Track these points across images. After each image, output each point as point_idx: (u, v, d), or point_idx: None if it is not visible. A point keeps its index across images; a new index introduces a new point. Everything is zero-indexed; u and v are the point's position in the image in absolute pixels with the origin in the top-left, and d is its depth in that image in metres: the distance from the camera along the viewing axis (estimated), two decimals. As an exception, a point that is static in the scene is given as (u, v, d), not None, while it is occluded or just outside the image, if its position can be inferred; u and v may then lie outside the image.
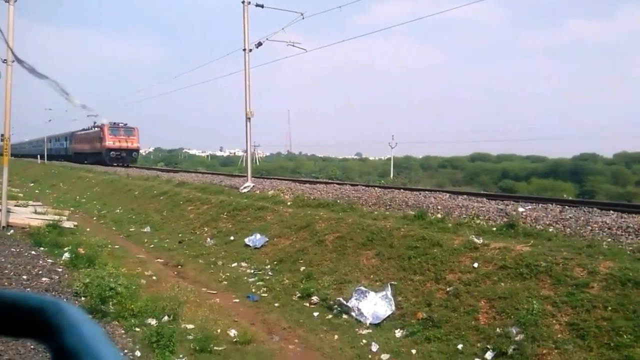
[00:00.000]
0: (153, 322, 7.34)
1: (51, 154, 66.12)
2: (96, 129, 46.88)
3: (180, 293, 8.84)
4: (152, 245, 14.73)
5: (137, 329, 7.09)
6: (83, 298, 7.95)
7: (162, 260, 12.73)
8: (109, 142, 43.36)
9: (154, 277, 10.61)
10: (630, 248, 7.55)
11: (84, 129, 52.68)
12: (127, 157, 44.17)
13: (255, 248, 12.43)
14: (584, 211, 10.34)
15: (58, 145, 65.26)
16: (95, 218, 20.80)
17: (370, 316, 7.87)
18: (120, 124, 44.47)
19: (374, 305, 8.02)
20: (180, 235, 15.75)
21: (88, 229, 16.76)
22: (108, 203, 24.51)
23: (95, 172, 39.80)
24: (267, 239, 12.64)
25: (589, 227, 8.85)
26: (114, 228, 18.12)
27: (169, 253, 13.53)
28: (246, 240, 12.94)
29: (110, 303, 7.64)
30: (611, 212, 10.17)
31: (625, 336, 5.68)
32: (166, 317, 7.55)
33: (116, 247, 13.81)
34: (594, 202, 13.08)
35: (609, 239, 8.13)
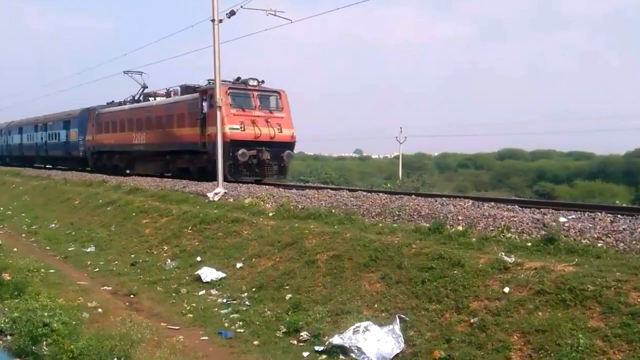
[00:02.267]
0: (99, 366, 7.28)
1: (23, 154, 52.54)
2: (182, 95, 28.55)
3: (133, 329, 8.76)
4: (97, 269, 14.66)
5: (79, 377, 7.02)
6: (9, 337, 7.88)
7: (109, 288, 12.66)
8: (232, 125, 23.11)
9: (100, 310, 10.54)
10: (699, 267, 7.61)
11: (125, 101, 35.16)
12: (274, 163, 24.25)
13: (207, 283, 12.24)
14: (641, 221, 10.41)
15: (39, 139, 48.46)
16: (24, 235, 20.68)
17: (374, 356, 7.86)
18: (252, 81, 24.64)
19: (378, 341, 8.01)
20: (132, 256, 15.69)
21: (15, 249, 16.65)
22: (40, 216, 24.40)
23: (24, 176, 39.62)
24: (223, 274, 12.51)
25: (648, 241, 8.91)
26: (48, 247, 18.02)
27: (119, 279, 13.46)
28: (199, 272, 12.71)
29: (44, 343, 7.59)
30: (675, 222, 10.24)
31: (693, 378, 5.71)
32: (115, 360, 7.50)
33: (51, 271, 13.72)
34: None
35: (673, 256, 8.19)
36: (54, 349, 7.47)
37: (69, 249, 17.42)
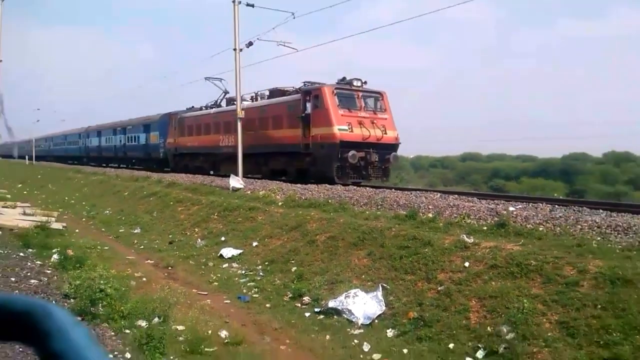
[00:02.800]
0: (143, 323, 7.30)
1: (101, 155, 48.37)
2: (284, 94, 23.35)
3: (170, 294, 8.80)
4: (142, 247, 14.65)
5: (127, 331, 7.04)
6: (72, 300, 7.88)
7: (152, 262, 12.66)
8: (341, 126, 18.96)
9: (144, 279, 10.55)
10: (619, 246, 7.63)
11: (207, 106, 30.44)
12: (380, 165, 19.69)
13: (229, 258, 12.19)
14: (574, 210, 10.43)
15: (117, 141, 43.88)
16: (84, 219, 20.64)
17: (361, 316, 7.88)
18: (356, 81, 20.38)
19: (365, 305, 8.03)
20: (170, 236, 15.68)
21: (77, 231, 16.63)
22: (97, 204, 24.34)
23: (84, 172, 39.56)
24: (242, 250, 12.44)
25: (579, 226, 8.92)
26: (103, 229, 17.99)
27: (159, 254, 13.46)
28: (221, 251, 12.60)
29: (100, 305, 7.58)
30: (600, 211, 10.26)
31: (614, 334, 5.73)
32: (156, 319, 7.50)
33: (105, 248, 13.72)
34: (584, 201, 13.21)
35: (599, 238, 8.21)
36: (108, 310, 7.47)
37: (120, 231, 17.41)
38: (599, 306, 6.18)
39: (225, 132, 26.00)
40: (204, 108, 30.73)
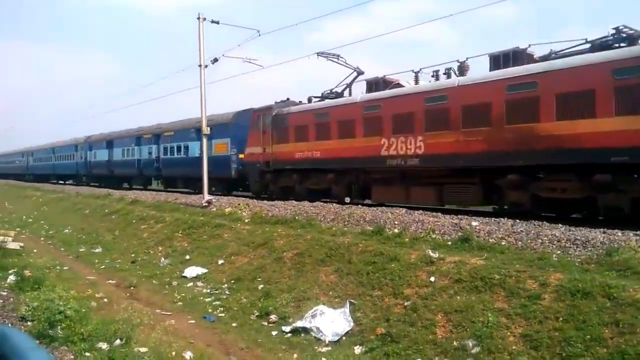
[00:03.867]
0: (104, 346, 7.06)
1: (112, 172, 38.22)
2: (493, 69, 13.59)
3: (133, 315, 8.56)
4: (103, 266, 14.25)
5: (88, 354, 6.79)
6: (30, 323, 7.58)
7: (113, 282, 12.32)
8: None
9: (105, 299, 10.24)
10: (579, 260, 7.85)
11: (324, 96, 20.05)
12: None
13: (193, 277, 12.00)
14: (534, 225, 10.68)
15: (145, 154, 33.74)
16: (42, 238, 19.97)
17: (329, 334, 7.84)
18: None
19: (332, 322, 7.99)
20: (133, 255, 15.32)
21: (35, 250, 16.07)
22: (56, 223, 23.62)
23: (43, 190, 38.38)
24: (207, 269, 12.25)
25: (540, 240, 9.14)
26: (62, 249, 17.44)
27: (121, 274, 13.11)
28: (185, 272, 12.38)
29: (59, 327, 7.31)
30: (560, 225, 10.54)
31: (575, 346, 5.86)
32: (118, 341, 7.28)
33: (65, 268, 13.30)
34: (544, 216, 13.52)
35: (559, 252, 8.43)
36: (67, 332, 7.21)
37: (80, 250, 16.90)
38: (561, 319, 6.32)
39: (398, 132, 15.47)
40: (314, 100, 20.46)
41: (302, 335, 8.02)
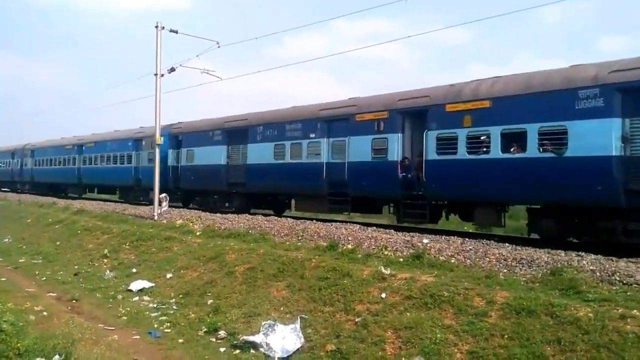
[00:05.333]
0: (41, 362, 6.75)
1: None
2: None
3: (74, 330, 8.23)
4: (44, 278, 13.64)
5: (23, 371, 6.47)
6: (-42, 338, 7.14)
7: (54, 295, 11.79)
8: None
9: (45, 313, 9.80)
10: (524, 278, 8.11)
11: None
12: None
13: (140, 290, 11.69)
14: (483, 243, 10.98)
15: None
16: (-22, 248, 18.94)
17: (279, 350, 7.74)
18: None
19: (283, 338, 7.90)
20: (76, 267, 14.74)
21: (-31, 260, 15.23)
22: (-6, 231, 22.46)
23: (-19, 197, 36.57)
24: (154, 283, 11.98)
25: (487, 259, 9.40)
26: (0, 259, 16.58)
27: (63, 286, 12.57)
28: (132, 285, 12.02)
29: (-8, 342, 6.92)
30: (507, 244, 10.88)
31: (519, 362, 6.02)
32: (57, 357, 6.97)
33: (2, 279, 12.66)
34: (492, 235, 13.93)
35: (505, 270, 8.69)
36: (2, 347, 6.83)
37: (20, 261, 16.13)
38: (506, 336, 6.49)
39: None
40: None
41: (252, 351, 7.89)
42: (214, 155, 20.87)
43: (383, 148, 14.44)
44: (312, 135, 16.71)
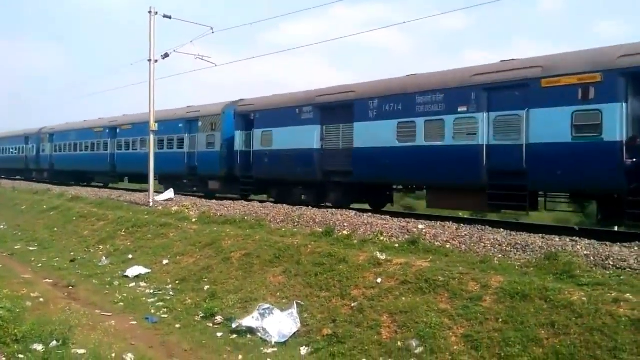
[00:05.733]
0: (39, 347, 6.78)
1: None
2: None
3: (71, 316, 8.25)
4: (40, 265, 13.63)
5: (21, 356, 6.50)
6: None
7: (51, 281, 11.80)
8: None
9: (42, 299, 9.81)
10: (518, 263, 8.18)
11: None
12: None
13: (136, 276, 11.72)
14: (478, 229, 11.05)
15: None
16: (-27, 235, 18.89)
17: (276, 335, 7.80)
18: None
19: (279, 323, 7.96)
20: (72, 253, 14.73)
21: (-36, 247, 15.20)
22: (-11, 218, 22.40)
23: (-25, 184, 36.39)
24: (150, 269, 11.98)
25: (482, 244, 9.46)
26: (-5, 246, 16.56)
27: (59, 273, 12.57)
28: (128, 271, 12.04)
29: (-11, 328, 6.94)
30: (501, 230, 10.95)
31: (514, 347, 6.09)
32: (54, 342, 6.99)
33: (-2, 266, 12.64)
34: (487, 220, 14.01)
35: (500, 255, 8.75)
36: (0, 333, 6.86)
37: (15, 247, 16.11)
38: (500, 320, 6.55)
39: None
40: None
41: (248, 336, 7.95)
42: (303, 137, 17.18)
43: (594, 124, 10.73)
44: (463, 109, 12.94)
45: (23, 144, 41.18)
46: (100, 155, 30.06)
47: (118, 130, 28.95)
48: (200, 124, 22.56)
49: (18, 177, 42.20)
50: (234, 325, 8.23)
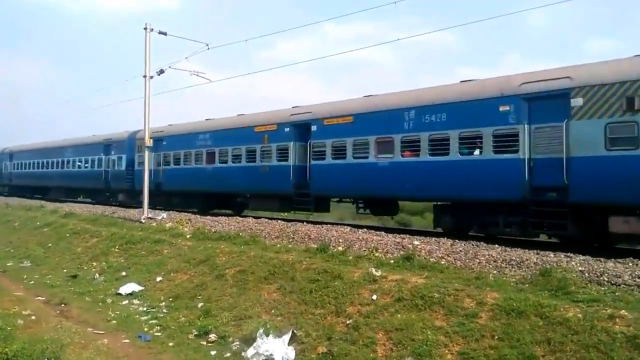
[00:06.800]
0: (30, 367, 6.67)
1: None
2: None
3: (63, 334, 8.14)
4: (32, 282, 13.49)
5: (11, 376, 6.39)
6: (-55, 343, 7.04)
7: (43, 298, 11.66)
8: None
9: (33, 317, 9.68)
10: (514, 280, 8.15)
11: None
12: None
13: (129, 294, 11.61)
14: (472, 245, 11.04)
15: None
16: (-36, 252, 18.69)
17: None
18: None
19: (272, 351, 7.76)
20: (65, 271, 14.59)
21: (-45, 265, 15.03)
22: (-19, 235, 22.20)
23: (-32, 200, 36.12)
24: (144, 286, 11.89)
25: (477, 260, 9.44)
26: (-14, 263, 16.38)
27: (52, 290, 12.43)
28: (121, 288, 11.90)
29: (-21, 347, 6.83)
30: (496, 245, 10.95)
31: (509, 363, 6.05)
32: (45, 361, 6.89)
33: (-11, 284, 12.50)
34: (481, 236, 14.00)
35: (495, 271, 8.73)
36: (-12, 352, 6.76)
37: (7, 264, 15.94)
38: (496, 337, 6.51)
39: None
40: None
41: (242, 354, 7.84)
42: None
43: None
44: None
45: (102, 154, 31.41)
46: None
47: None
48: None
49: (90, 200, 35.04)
50: (228, 353, 8.05)
